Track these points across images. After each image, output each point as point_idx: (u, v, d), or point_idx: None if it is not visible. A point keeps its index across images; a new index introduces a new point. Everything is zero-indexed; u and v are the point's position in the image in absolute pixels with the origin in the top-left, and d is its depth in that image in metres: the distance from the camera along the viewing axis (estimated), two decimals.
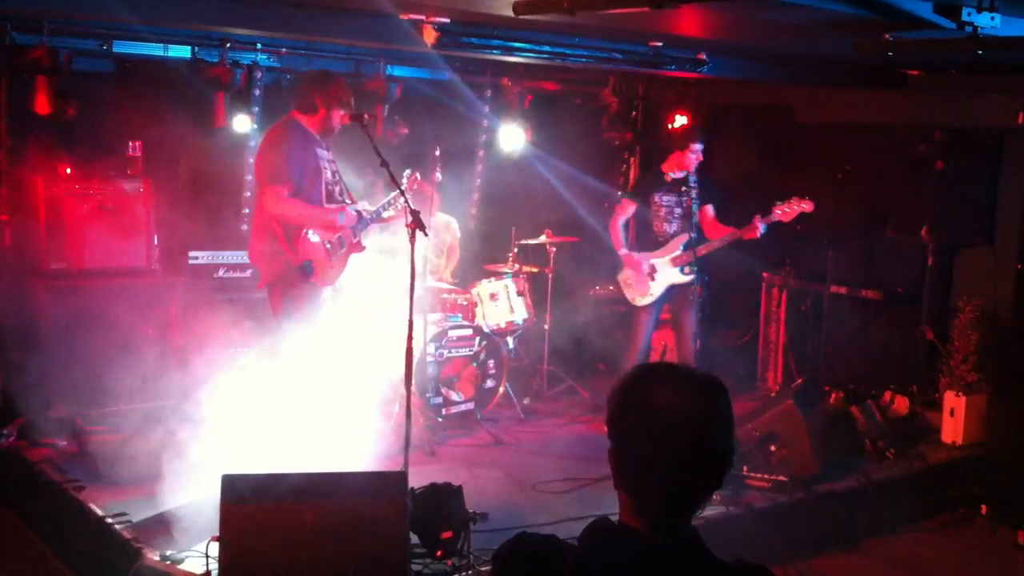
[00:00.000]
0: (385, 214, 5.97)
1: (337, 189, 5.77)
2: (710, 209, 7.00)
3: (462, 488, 4.87)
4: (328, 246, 5.62)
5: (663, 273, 6.92)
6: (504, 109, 8.29)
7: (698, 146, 6.86)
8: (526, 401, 7.52)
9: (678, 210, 6.94)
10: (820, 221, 7.34)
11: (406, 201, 5.58)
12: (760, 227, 6.68)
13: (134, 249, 6.66)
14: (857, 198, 7.80)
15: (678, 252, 6.90)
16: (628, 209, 7.04)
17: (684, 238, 6.92)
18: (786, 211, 6.71)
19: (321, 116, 5.64)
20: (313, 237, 5.57)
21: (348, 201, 5.83)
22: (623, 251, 6.96)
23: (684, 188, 6.91)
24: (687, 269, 6.91)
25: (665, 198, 6.93)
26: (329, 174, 5.70)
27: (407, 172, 6.13)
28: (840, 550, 5.86)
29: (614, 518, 1.95)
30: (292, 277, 5.53)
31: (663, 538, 1.87)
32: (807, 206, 6.72)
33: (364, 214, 5.87)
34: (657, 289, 6.92)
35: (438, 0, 5.37)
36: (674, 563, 1.86)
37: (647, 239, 7.03)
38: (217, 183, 7.50)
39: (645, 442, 1.85)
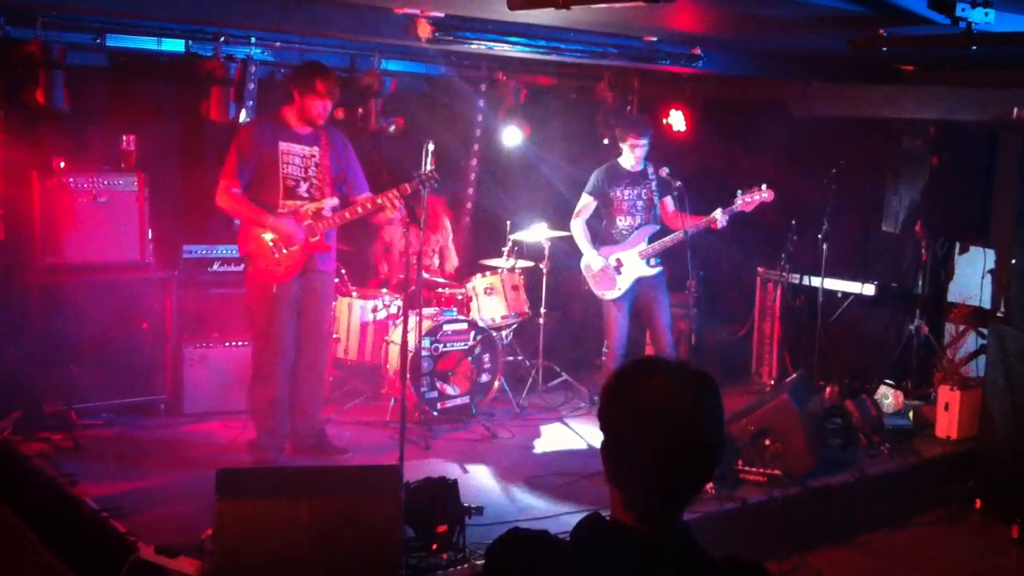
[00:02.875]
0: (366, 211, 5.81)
1: (304, 185, 5.70)
2: (669, 201, 6.98)
3: (457, 482, 4.88)
4: (271, 243, 5.60)
5: (629, 266, 6.89)
6: (499, 103, 8.28)
7: (639, 140, 6.79)
8: (522, 396, 7.52)
9: (640, 203, 6.92)
10: (815, 216, 7.34)
11: (400, 197, 5.56)
12: (723, 218, 6.68)
13: (128, 243, 6.63)
14: (851, 193, 7.80)
15: (643, 245, 6.89)
16: (590, 207, 6.99)
17: (649, 230, 6.92)
18: (747, 201, 6.72)
19: (297, 106, 5.65)
20: (258, 232, 5.59)
21: (316, 197, 5.71)
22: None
23: (644, 180, 6.90)
24: (653, 261, 6.91)
25: (625, 192, 6.90)
26: (295, 168, 5.66)
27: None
28: (834, 544, 5.87)
29: (608, 513, 1.95)
30: (247, 270, 5.70)
31: (653, 532, 1.86)
32: (767, 196, 6.73)
33: (329, 216, 5.74)
34: (624, 283, 6.89)
35: None
36: (665, 557, 1.86)
37: (610, 232, 6.98)
38: (211, 177, 7.45)
39: (635, 435, 1.85)
